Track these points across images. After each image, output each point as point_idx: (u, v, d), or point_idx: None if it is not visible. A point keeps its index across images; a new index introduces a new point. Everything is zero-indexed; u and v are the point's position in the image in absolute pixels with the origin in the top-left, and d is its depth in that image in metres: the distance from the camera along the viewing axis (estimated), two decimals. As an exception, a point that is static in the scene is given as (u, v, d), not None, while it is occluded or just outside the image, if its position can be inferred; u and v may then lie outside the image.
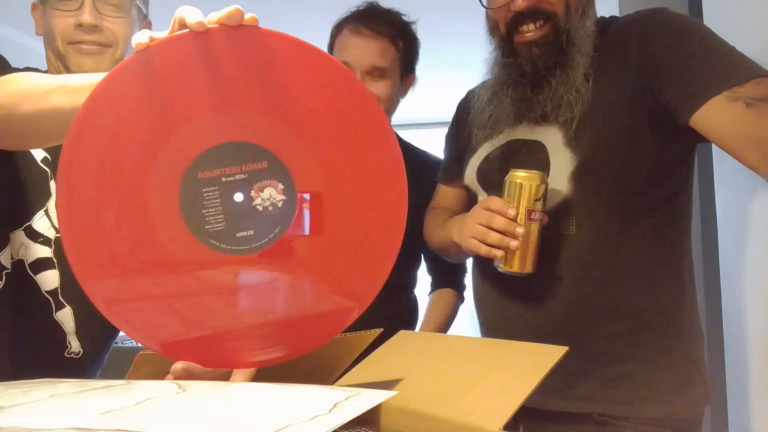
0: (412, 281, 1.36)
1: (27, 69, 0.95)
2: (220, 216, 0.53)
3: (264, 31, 0.53)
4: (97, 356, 1.00)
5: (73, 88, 0.63)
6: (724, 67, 0.82)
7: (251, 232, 0.54)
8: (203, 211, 0.53)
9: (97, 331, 0.98)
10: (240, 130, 0.53)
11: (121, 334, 1.02)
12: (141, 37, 0.52)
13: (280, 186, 0.54)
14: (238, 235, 0.54)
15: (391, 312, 1.06)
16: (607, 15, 1.04)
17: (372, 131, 0.56)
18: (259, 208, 0.53)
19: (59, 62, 0.97)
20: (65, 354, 0.94)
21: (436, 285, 1.36)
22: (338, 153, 0.55)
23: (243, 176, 0.53)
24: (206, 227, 0.53)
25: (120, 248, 0.54)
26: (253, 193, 0.53)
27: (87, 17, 0.93)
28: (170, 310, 0.56)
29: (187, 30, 0.52)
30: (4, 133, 0.70)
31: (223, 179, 0.53)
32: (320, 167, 0.55)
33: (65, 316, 0.94)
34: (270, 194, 0.54)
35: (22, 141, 0.77)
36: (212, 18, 0.52)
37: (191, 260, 0.54)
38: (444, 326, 1.30)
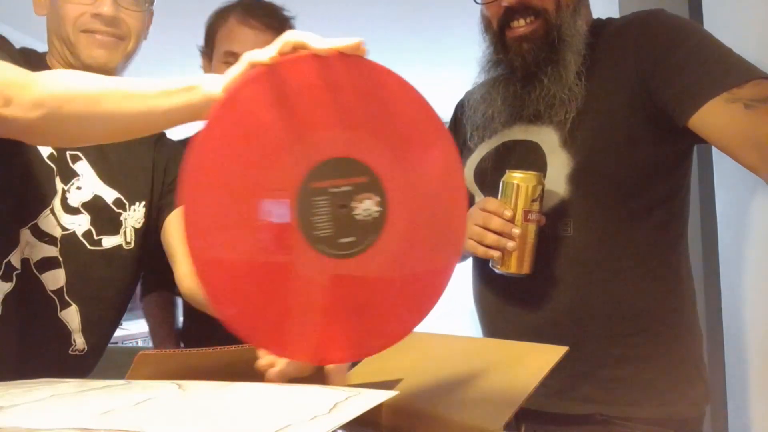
0: None
1: (23, 49, 0.94)
2: (328, 223, 0.59)
3: (371, 62, 0.60)
4: (99, 351, 1.00)
5: (132, 95, 0.63)
6: (723, 69, 0.82)
7: (353, 239, 0.60)
8: (312, 218, 0.58)
9: (102, 327, 0.98)
10: (349, 147, 0.60)
11: (121, 334, 1.02)
12: (263, 55, 0.57)
13: (377, 199, 0.60)
14: (341, 240, 0.59)
15: None
16: (607, 15, 1.04)
17: (444, 164, 0.65)
18: (359, 217, 0.60)
19: (66, 49, 0.94)
20: (69, 351, 0.94)
21: None
22: (418, 178, 0.64)
23: (348, 188, 0.59)
24: (314, 233, 0.58)
25: (242, 251, 0.58)
26: (354, 204, 0.59)
27: (108, 9, 0.92)
28: (283, 310, 0.60)
29: (309, 52, 0.58)
30: (42, 131, 0.68)
31: (332, 189, 0.59)
32: (407, 186, 0.62)
33: (71, 315, 0.93)
34: (368, 205, 0.60)
35: (56, 139, 0.76)
36: (334, 45, 0.57)
37: (300, 262, 0.59)
38: None
